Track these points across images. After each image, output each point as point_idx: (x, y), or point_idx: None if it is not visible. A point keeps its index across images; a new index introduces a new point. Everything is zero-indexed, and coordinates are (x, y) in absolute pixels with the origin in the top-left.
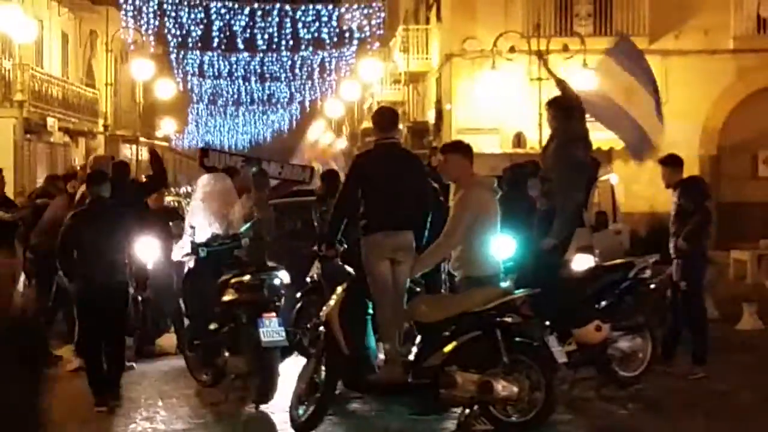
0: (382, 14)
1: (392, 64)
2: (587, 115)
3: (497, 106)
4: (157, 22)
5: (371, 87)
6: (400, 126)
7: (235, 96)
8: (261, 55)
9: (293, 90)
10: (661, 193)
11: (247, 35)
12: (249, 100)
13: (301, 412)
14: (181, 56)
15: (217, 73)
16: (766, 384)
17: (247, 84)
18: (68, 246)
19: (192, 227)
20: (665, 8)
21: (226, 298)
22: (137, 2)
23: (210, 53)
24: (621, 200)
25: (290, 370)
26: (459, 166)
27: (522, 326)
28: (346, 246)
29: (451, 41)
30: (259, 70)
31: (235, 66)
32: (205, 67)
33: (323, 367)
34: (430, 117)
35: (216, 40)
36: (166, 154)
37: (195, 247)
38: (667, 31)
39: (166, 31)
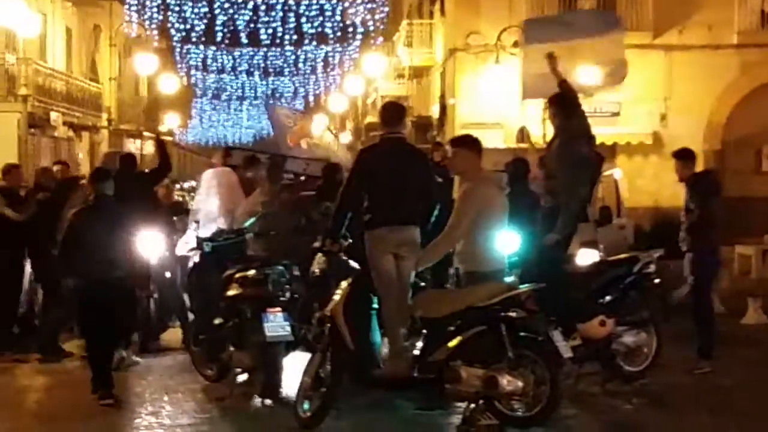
0: (386, 9)
1: (396, 58)
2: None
3: (501, 101)
4: (160, 17)
5: (375, 82)
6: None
7: (239, 91)
8: (264, 49)
9: (297, 84)
10: (665, 187)
11: (251, 30)
12: (253, 95)
13: (306, 406)
14: (184, 51)
15: (220, 68)
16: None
17: (250, 78)
18: (71, 243)
19: (196, 222)
20: (669, 3)
21: (230, 292)
22: None
23: (213, 48)
24: (625, 195)
25: (295, 364)
26: (465, 160)
27: (527, 321)
28: (350, 240)
29: (454, 36)
30: (262, 65)
31: (238, 60)
32: (209, 61)
33: (328, 362)
34: (434, 112)
35: (219, 34)
36: (169, 149)
37: (200, 242)
38: (671, 26)
39: (169, 25)
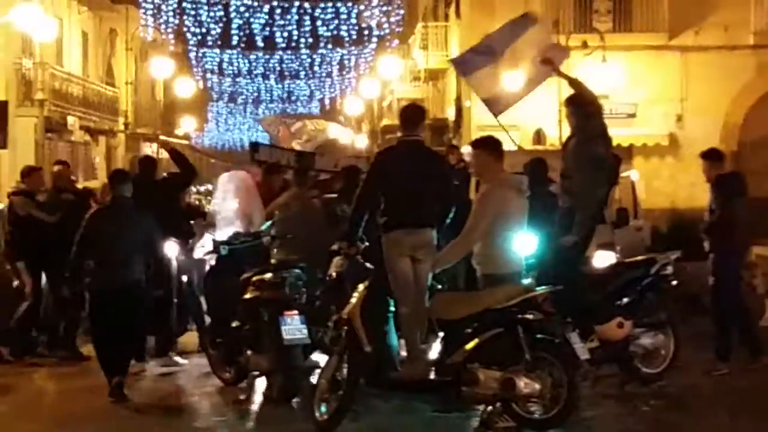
0: (401, 11)
1: (411, 61)
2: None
3: (517, 103)
4: (176, 21)
5: (390, 84)
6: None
7: (255, 94)
8: (280, 52)
9: (312, 88)
10: (682, 189)
11: (267, 33)
12: (269, 98)
13: (323, 409)
14: (200, 54)
15: (236, 71)
16: None
17: (266, 82)
18: (86, 244)
19: (213, 225)
20: (684, 4)
21: (247, 295)
22: (156, 0)
23: (229, 51)
24: (642, 197)
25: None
26: (484, 162)
27: (544, 323)
28: (367, 243)
29: (470, 38)
30: (278, 68)
31: (254, 64)
32: (225, 65)
33: (345, 365)
34: (450, 114)
35: (235, 38)
36: (186, 152)
37: (217, 245)
38: (687, 27)
39: (185, 29)
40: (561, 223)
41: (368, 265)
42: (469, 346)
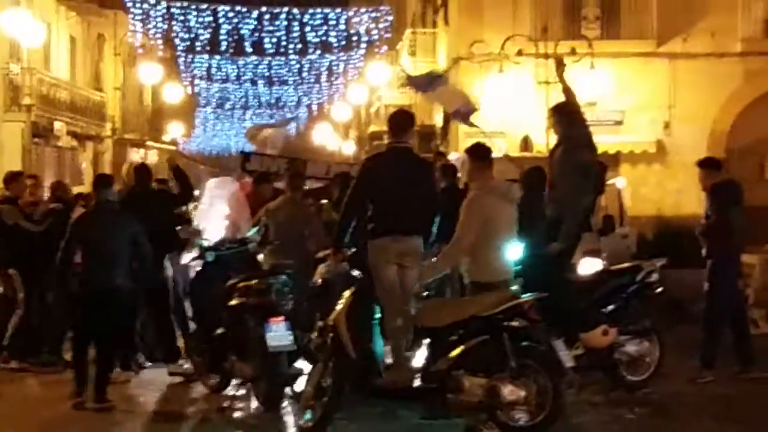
0: (390, 18)
1: (400, 67)
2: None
3: (504, 110)
4: (164, 26)
5: (379, 90)
6: None
7: (243, 100)
8: (269, 58)
9: (301, 93)
10: (669, 196)
11: (255, 39)
12: (257, 104)
13: (308, 416)
14: (188, 60)
15: (224, 77)
16: None
17: (254, 88)
18: (71, 248)
19: (199, 231)
20: (673, 11)
21: (233, 302)
22: (145, 6)
23: (218, 57)
24: (628, 204)
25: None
26: (473, 169)
27: (529, 330)
28: (354, 249)
29: (458, 45)
30: (266, 74)
31: (242, 70)
32: (213, 70)
33: (330, 372)
34: (438, 121)
35: (224, 43)
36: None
37: (203, 251)
38: (675, 34)
39: (173, 34)
40: (547, 230)
41: (355, 271)
42: (455, 353)
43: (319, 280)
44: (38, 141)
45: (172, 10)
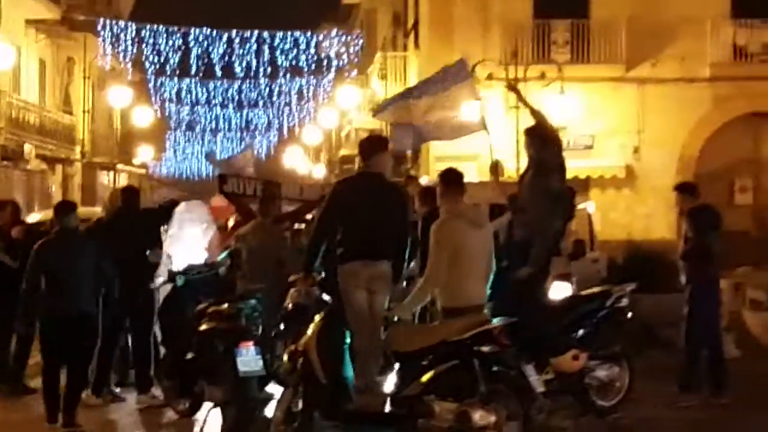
0: (360, 41)
1: (370, 90)
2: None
3: (475, 134)
4: (134, 49)
5: (349, 114)
6: None
7: (213, 123)
8: (239, 82)
9: (271, 116)
10: (638, 220)
11: (225, 62)
12: (227, 127)
13: None
14: (158, 83)
15: (194, 100)
16: (743, 413)
17: (224, 111)
18: (35, 276)
19: (169, 256)
20: (642, 36)
21: (203, 326)
22: (115, 29)
23: (188, 80)
24: (598, 228)
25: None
26: (442, 193)
27: (499, 355)
28: (323, 274)
29: (428, 68)
30: (236, 97)
31: (213, 93)
32: (183, 93)
33: (300, 397)
34: None
35: (194, 67)
36: (143, 183)
37: (173, 275)
38: (644, 59)
39: (143, 58)
40: (517, 255)
41: (325, 296)
42: (425, 378)
43: (290, 305)
44: (7, 164)
45: (142, 33)
